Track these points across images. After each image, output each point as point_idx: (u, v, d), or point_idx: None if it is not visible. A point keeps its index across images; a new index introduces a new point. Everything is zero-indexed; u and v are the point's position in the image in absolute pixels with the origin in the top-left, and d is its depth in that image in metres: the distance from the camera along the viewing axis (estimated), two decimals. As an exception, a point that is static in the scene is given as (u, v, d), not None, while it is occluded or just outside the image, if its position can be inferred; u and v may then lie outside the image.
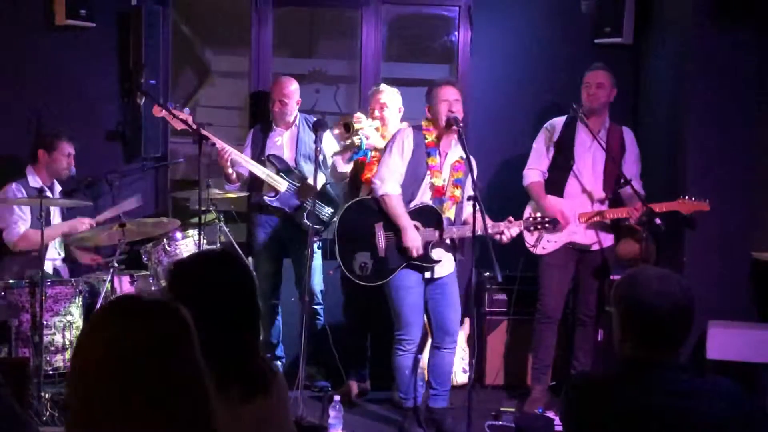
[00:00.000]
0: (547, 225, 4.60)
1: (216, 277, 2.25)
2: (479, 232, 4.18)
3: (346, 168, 5.18)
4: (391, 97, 5.19)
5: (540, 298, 5.15)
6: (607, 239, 5.11)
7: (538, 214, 4.74)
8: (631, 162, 5.12)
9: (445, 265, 4.66)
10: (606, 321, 5.15)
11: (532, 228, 4.62)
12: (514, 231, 4.53)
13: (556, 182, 5.08)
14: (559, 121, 5.17)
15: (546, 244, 5.06)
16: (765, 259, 5.16)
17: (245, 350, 2.23)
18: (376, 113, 5.15)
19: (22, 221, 5.11)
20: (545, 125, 5.22)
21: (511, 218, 4.57)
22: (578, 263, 5.14)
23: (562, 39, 6.02)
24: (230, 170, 5.23)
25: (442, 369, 4.73)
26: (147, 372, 1.50)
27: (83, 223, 5.18)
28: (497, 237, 4.50)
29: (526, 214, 4.94)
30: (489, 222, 4.38)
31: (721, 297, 5.08)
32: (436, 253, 4.59)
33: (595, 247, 5.08)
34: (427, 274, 4.62)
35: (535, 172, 5.14)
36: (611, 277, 5.06)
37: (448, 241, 4.64)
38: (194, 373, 1.55)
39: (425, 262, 4.57)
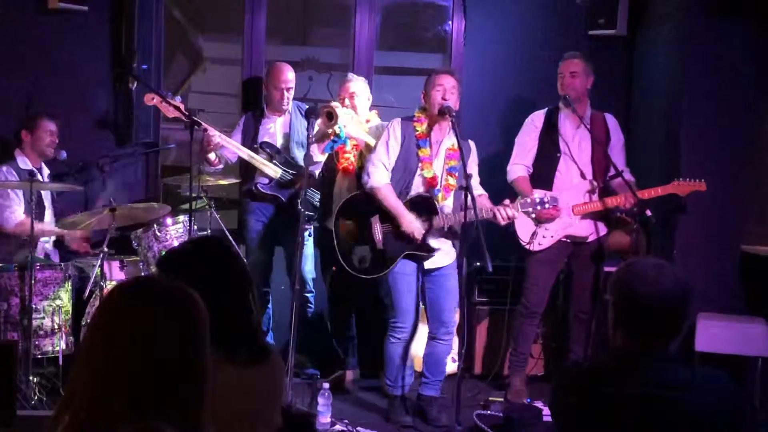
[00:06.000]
0: (546, 204, 4.48)
1: (204, 258, 2.31)
2: (471, 218, 4.15)
3: (321, 157, 5.18)
4: (360, 86, 5.20)
5: (525, 292, 5.12)
6: (603, 229, 5.07)
7: (535, 195, 4.59)
8: (618, 149, 5.08)
9: (444, 256, 4.64)
10: (599, 311, 5.16)
11: (530, 209, 4.52)
12: (510, 212, 4.45)
13: (543, 175, 5.01)
14: (540, 114, 5.13)
15: (542, 240, 4.98)
16: (755, 252, 5.18)
17: (245, 322, 2.30)
18: (347, 102, 5.14)
19: (16, 204, 5.09)
20: (527, 119, 5.15)
21: (507, 201, 4.51)
22: (571, 256, 5.12)
23: (555, 30, 6.01)
24: (212, 155, 5.20)
25: (436, 359, 4.74)
26: (158, 355, 1.52)
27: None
28: (494, 220, 4.48)
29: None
30: (488, 204, 4.46)
31: (711, 289, 5.09)
32: (434, 242, 4.58)
33: (592, 238, 5.04)
34: (425, 265, 4.60)
35: (519, 167, 5.07)
36: (605, 269, 5.05)
37: (445, 229, 4.60)
38: (201, 359, 1.57)
39: (424, 251, 4.57)
